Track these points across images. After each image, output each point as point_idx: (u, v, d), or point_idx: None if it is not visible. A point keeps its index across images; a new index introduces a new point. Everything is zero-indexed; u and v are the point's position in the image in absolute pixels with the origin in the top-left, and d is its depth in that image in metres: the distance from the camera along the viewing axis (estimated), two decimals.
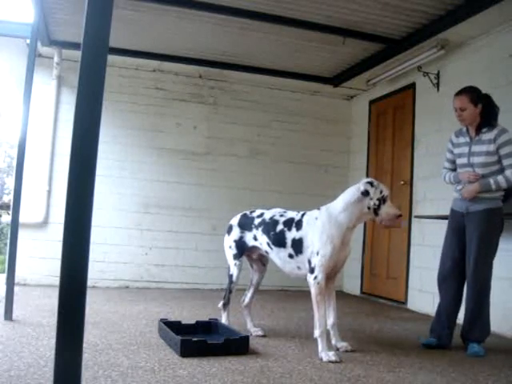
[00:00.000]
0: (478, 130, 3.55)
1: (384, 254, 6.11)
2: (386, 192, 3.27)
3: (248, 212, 3.76)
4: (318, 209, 3.40)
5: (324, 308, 3.24)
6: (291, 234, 3.38)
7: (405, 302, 5.58)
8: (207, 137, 6.56)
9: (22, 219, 4.09)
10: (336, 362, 3.03)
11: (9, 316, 3.67)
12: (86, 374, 2.44)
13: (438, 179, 5.17)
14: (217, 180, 6.53)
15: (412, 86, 5.81)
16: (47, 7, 4.69)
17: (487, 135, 3.49)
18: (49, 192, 5.97)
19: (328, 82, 6.53)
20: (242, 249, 3.66)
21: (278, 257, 3.47)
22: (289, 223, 3.44)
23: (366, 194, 3.23)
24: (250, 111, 6.70)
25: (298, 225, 3.39)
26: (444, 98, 5.25)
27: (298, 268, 3.39)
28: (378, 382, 2.67)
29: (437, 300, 4.86)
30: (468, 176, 3.51)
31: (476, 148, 3.53)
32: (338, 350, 3.32)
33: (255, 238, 3.60)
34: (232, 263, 3.67)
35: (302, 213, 3.47)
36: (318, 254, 3.21)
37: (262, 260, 3.80)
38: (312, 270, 3.22)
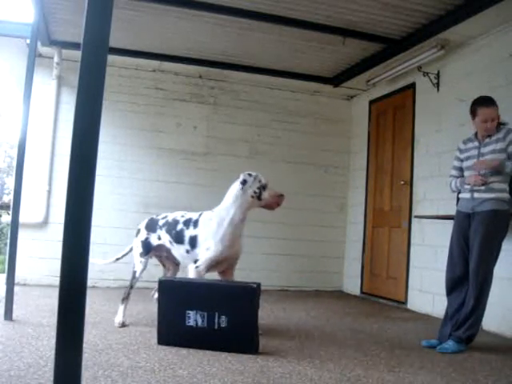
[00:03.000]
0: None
1: (384, 254, 6.11)
2: (264, 181, 3.73)
3: (154, 216, 4.09)
4: (212, 211, 3.77)
5: None
6: (189, 232, 3.73)
7: (405, 302, 5.58)
8: (207, 137, 6.56)
9: (22, 219, 4.09)
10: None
11: (9, 316, 3.67)
12: (86, 374, 2.44)
13: (438, 179, 5.18)
14: (217, 180, 6.51)
15: (412, 86, 5.80)
16: (47, 7, 4.69)
17: (496, 135, 3.52)
18: (49, 192, 5.97)
19: (328, 82, 6.53)
20: (148, 248, 3.95)
21: (178, 253, 3.81)
22: (188, 222, 3.78)
23: (244, 182, 3.69)
24: (249, 111, 6.70)
25: (195, 224, 3.74)
26: (444, 98, 5.26)
27: (194, 262, 3.69)
28: (378, 382, 2.67)
29: (437, 300, 4.88)
30: (475, 179, 3.49)
31: (485, 149, 3.55)
32: None
33: (159, 238, 3.91)
34: (138, 260, 3.93)
35: (199, 213, 3.83)
36: (207, 250, 3.58)
37: (175, 260, 4.03)
38: (196, 261, 3.59)
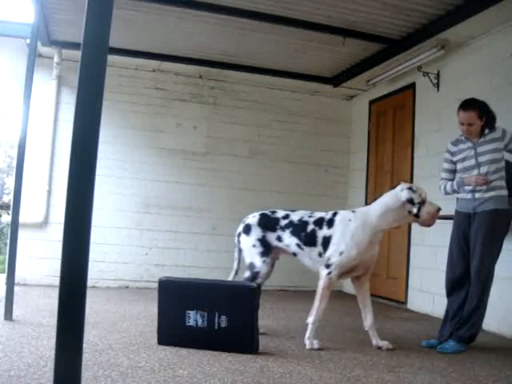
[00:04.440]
0: (481, 134, 3.57)
1: (384, 254, 6.10)
2: (424, 194, 3.39)
3: (268, 212, 3.72)
4: (353, 211, 3.50)
5: (326, 302, 3.39)
6: (322, 232, 3.46)
7: (405, 302, 5.58)
8: (207, 137, 6.56)
9: (21, 219, 4.09)
10: (318, 349, 3.27)
11: (9, 316, 3.67)
12: (86, 374, 2.44)
13: (438, 179, 5.16)
14: (217, 180, 6.52)
15: (412, 86, 5.80)
16: (47, 7, 4.69)
17: (490, 135, 3.54)
18: (49, 192, 5.97)
19: (328, 82, 6.53)
20: (269, 246, 3.60)
21: (309, 256, 3.53)
22: (319, 222, 3.50)
23: (411, 201, 3.33)
24: (249, 111, 6.70)
25: (330, 223, 3.46)
26: (444, 98, 5.26)
27: (327, 266, 3.45)
28: (378, 382, 2.67)
29: (437, 300, 4.88)
30: (476, 180, 3.49)
31: (482, 148, 3.55)
32: (379, 348, 3.44)
33: (279, 239, 3.59)
34: (259, 260, 3.56)
35: (332, 212, 3.54)
36: (340, 254, 3.34)
37: (272, 263, 3.75)
38: (328, 266, 3.37)
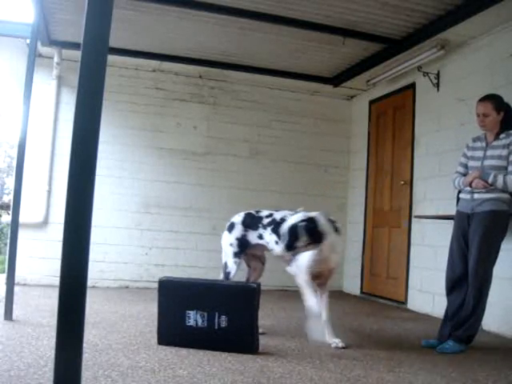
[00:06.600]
0: (496, 137, 3.55)
1: (384, 254, 6.11)
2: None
3: (253, 211, 3.76)
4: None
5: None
6: None
7: (405, 302, 5.58)
8: (207, 137, 6.56)
9: (21, 219, 4.09)
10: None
11: (9, 316, 3.67)
12: (86, 374, 2.44)
13: (438, 179, 5.19)
14: (217, 180, 6.52)
15: (412, 86, 5.80)
16: (47, 7, 4.69)
17: (503, 141, 3.50)
18: (49, 192, 5.97)
19: (328, 82, 6.53)
20: (244, 247, 3.67)
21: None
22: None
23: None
24: (249, 111, 6.70)
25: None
26: (444, 97, 5.26)
27: None
28: (377, 382, 2.67)
29: (437, 300, 4.88)
30: (476, 184, 3.48)
31: (490, 152, 3.54)
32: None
33: (260, 237, 3.63)
34: (231, 261, 3.65)
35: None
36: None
37: (261, 259, 3.85)
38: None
